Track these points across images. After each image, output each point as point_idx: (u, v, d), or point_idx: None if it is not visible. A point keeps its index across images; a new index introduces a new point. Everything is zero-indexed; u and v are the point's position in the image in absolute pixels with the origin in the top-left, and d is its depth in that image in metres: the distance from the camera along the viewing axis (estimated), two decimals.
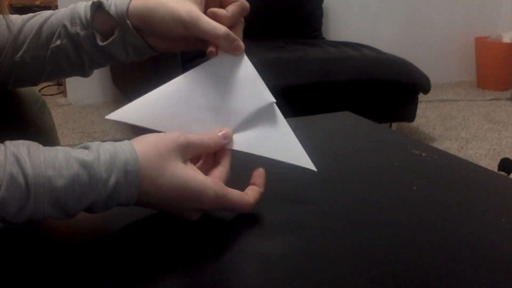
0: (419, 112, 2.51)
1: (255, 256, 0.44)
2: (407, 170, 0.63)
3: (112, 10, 0.54)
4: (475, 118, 2.84)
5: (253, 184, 0.50)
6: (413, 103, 2.38)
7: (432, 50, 3.58)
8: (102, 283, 0.39)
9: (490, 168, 0.68)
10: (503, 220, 0.51)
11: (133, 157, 0.43)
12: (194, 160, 0.49)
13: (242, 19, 0.53)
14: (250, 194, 0.49)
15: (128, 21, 0.54)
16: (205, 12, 0.52)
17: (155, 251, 0.44)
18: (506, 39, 3.45)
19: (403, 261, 0.43)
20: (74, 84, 2.88)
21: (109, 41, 0.56)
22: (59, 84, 3.15)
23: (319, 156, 0.52)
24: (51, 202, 0.40)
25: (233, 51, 0.51)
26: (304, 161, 0.51)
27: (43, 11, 0.61)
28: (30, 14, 0.61)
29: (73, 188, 0.40)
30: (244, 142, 0.51)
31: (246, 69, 0.52)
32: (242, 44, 0.52)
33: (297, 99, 2.04)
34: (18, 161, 0.39)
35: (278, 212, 0.51)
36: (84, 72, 0.61)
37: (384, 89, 2.25)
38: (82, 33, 0.56)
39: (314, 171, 0.50)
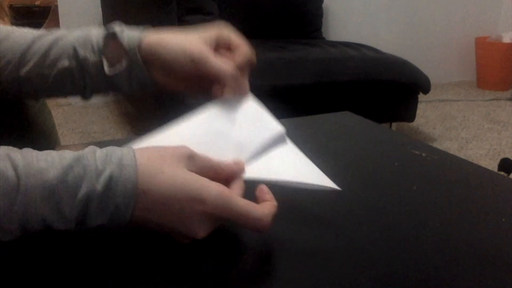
0: (419, 112, 2.52)
1: (255, 256, 0.44)
2: (407, 170, 0.63)
3: (125, 41, 0.55)
4: (475, 118, 2.84)
5: (263, 201, 0.45)
6: (413, 103, 2.38)
7: (432, 50, 3.58)
8: (102, 283, 0.39)
9: (490, 168, 0.68)
10: (503, 220, 0.51)
11: (129, 153, 0.42)
12: None
13: (247, 70, 0.55)
14: (265, 206, 0.44)
15: (138, 54, 0.55)
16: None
17: (155, 253, 0.44)
18: (506, 39, 3.45)
19: (403, 261, 0.43)
20: None
21: (115, 71, 0.57)
22: None
23: (319, 156, 0.52)
24: (44, 196, 0.38)
25: (239, 91, 0.53)
26: (325, 181, 0.48)
27: (55, 30, 0.60)
28: (42, 32, 0.60)
29: (66, 180, 0.39)
30: (259, 169, 0.48)
31: (252, 105, 0.53)
32: (247, 86, 0.53)
33: (297, 99, 2.04)
34: (9, 156, 0.38)
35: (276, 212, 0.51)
36: (84, 95, 0.61)
37: (384, 89, 2.25)
38: (91, 58, 0.57)
39: (340, 190, 0.48)
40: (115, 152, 0.42)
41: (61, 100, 2.92)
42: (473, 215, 0.52)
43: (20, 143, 0.42)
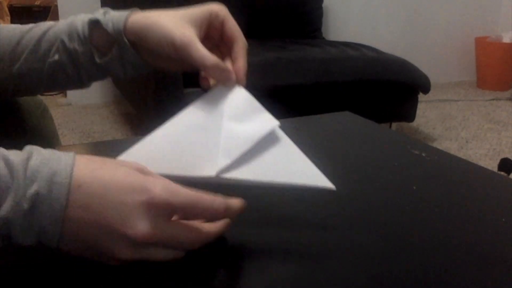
0: (419, 112, 2.51)
1: (255, 256, 0.44)
2: (407, 170, 0.63)
3: (109, 27, 0.54)
4: (475, 118, 2.84)
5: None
6: (413, 103, 2.38)
7: (432, 50, 3.58)
8: (102, 283, 0.39)
9: (490, 168, 0.68)
10: (503, 220, 0.51)
11: (66, 166, 0.37)
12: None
13: (244, 52, 0.52)
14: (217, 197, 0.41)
15: (125, 39, 0.54)
16: (205, 38, 0.52)
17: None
18: (506, 39, 3.45)
19: (403, 261, 0.43)
20: None
21: (106, 58, 0.56)
22: None
23: (319, 156, 0.52)
24: None
25: (223, 81, 0.49)
26: (321, 180, 0.47)
27: (42, 23, 0.60)
28: (29, 26, 0.60)
29: None
30: (253, 171, 0.46)
31: (243, 97, 0.50)
32: (232, 75, 0.49)
33: (297, 99, 2.04)
34: None
35: (277, 212, 0.51)
36: (82, 85, 0.61)
37: (384, 89, 2.25)
38: (80, 49, 0.56)
39: (334, 189, 0.46)
40: (49, 163, 0.37)
41: (61, 100, 2.93)
42: (473, 215, 0.52)
43: (21, 149, 0.41)
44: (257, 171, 0.46)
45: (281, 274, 0.41)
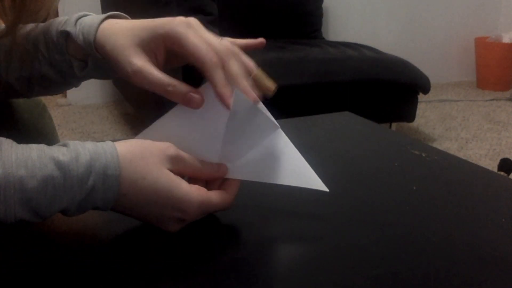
0: (419, 112, 2.51)
1: (255, 256, 0.44)
2: (407, 170, 0.63)
3: (80, 39, 0.51)
4: (475, 118, 2.84)
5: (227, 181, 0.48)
6: (413, 103, 2.38)
7: (432, 50, 3.58)
8: (102, 283, 0.39)
9: (490, 168, 0.68)
10: (503, 220, 0.51)
11: (114, 161, 0.41)
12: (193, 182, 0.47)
13: (218, 72, 0.45)
14: (230, 191, 0.48)
15: (96, 52, 0.50)
16: (172, 58, 0.49)
17: (154, 254, 0.44)
18: (506, 39, 3.45)
19: (403, 261, 0.43)
20: None
21: (85, 71, 0.54)
22: None
23: (318, 156, 0.52)
24: (22, 203, 0.38)
25: (188, 104, 0.46)
26: (315, 183, 0.50)
27: (26, 26, 0.55)
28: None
29: (45, 190, 0.39)
30: (252, 171, 0.49)
31: (246, 101, 0.47)
32: (197, 96, 0.45)
33: (297, 99, 2.04)
34: None
35: (275, 213, 0.51)
36: (75, 85, 0.59)
37: (384, 89, 2.25)
38: (59, 59, 0.54)
39: (326, 191, 0.49)
40: (99, 159, 0.41)
41: (61, 100, 2.93)
42: (473, 215, 0.52)
43: None
44: (256, 172, 0.49)
45: (280, 274, 0.41)
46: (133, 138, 0.47)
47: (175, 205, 0.43)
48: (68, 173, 0.39)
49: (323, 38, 2.96)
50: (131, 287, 0.39)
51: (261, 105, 0.48)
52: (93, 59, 0.53)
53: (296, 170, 0.50)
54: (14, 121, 0.73)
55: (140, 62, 0.46)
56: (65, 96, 2.97)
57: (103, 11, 2.55)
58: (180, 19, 0.47)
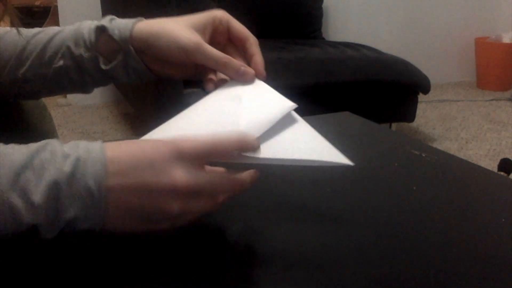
0: (419, 112, 2.52)
1: (255, 256, 0.44)
2: (407, 170, 0.63)
3: (116, 34, 0.55)
4: (475, 118, 2.84)
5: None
6: (413, 103, 2.38)
7: (432, 50, 3.58)
8: (102, 283, 0.39)
9: (490, 168, 0.68)
10: (503, 220, 0.51)
11: (97, 143, 0.40)
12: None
13: (257, 48, 0.56)
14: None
15: (131, 47, 0.55)
16: (210, 43, 0.53)
17: (155, 252, 0.44)
18: (506, 39, 3.45)
19: (403, 261, 0.43)
20: None
21: (111, 65, 0.57)
22: None
23: None
24: (9, 178, 0.36)
25: (241, 76, 0.52)
26: (338, 157, 0.47)
27: (48, 28, 0.60)
28: (35, 30, 0.60)
29: (32, 163, 0.37)
30: (271, 149, 0.46)
31: (258, 84, 0.53)
32: (249, 69, 0.53)
33: (297, 99, 2.03)
34: None
35: (278, 212, 0.51)
36: (85, 90, 0.61)
37: (384, 89, 2.25)
38: (86, 55, 0.57)
39: (352, 165, 0.47)
40: (82, 141, 0.40)
41: (61, 100, 2.93)
42: (473, 215, 0.52)
43: None
44: (276, 150, 0.46)
45: (280, 274, 0.41)
46: (133, 138, 0.46)
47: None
48: (53, 148, 0.39)
49: (323, 38, 2.96)
50: (131, 287, 0.39)
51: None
52: (124, 55, 0.55)
53: (318, 146, 0.48)
54: (15, 121, 0.73)
55: (198, 38, 0.52)
56: (65, 96, 2.97)
57: (103, 11, 2.55)
58: (220, 9, 0.56)
